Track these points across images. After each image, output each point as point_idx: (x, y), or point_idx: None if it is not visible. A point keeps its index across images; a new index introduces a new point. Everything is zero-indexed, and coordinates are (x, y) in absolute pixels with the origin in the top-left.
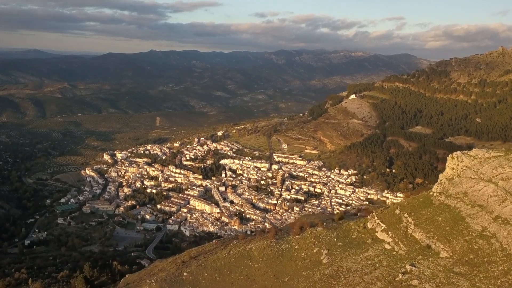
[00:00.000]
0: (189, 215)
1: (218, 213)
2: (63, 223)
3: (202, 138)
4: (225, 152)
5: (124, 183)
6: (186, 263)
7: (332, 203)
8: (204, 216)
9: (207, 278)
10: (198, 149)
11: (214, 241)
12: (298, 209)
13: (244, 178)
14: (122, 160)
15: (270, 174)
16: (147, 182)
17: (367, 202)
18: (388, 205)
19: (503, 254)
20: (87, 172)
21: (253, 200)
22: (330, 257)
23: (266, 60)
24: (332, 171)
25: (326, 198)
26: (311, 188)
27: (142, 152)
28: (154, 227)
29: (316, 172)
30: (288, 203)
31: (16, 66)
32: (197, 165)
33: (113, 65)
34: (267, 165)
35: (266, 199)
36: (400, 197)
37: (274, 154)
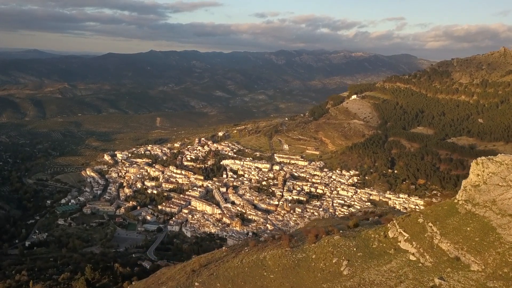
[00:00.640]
0: (190, 216)
1: (219, 214)
2: (64, 224)
3: (202, 139)
4: (226, 153)
5: (124, 184)
6: (197, 272)
7: (334, 204)
8: (205, 217)
9: None
10: (199, 150)
11: (223, 247)
12: (300, 210)
13: (245, 179)
14: (122, 161)
15: (271, 175)
16: (148, 183)
17: (369, 203)
18: (409, 213)
19: None
20: (88, 172)
21: (255, 201)
22: (350, 268)
23: (266, 60)
24: (334, 171)
25: (328, 199)
26: (312, 189)
27: (142, 152)
28: (155, 228)
29: (318, 173)
30: (289, 204)
31: (16, 66)
32: (198, 165)
33: (113, 65)
34: (268, 165)
35: (267, 200)
36: (402, 198)
37: (275, 154)
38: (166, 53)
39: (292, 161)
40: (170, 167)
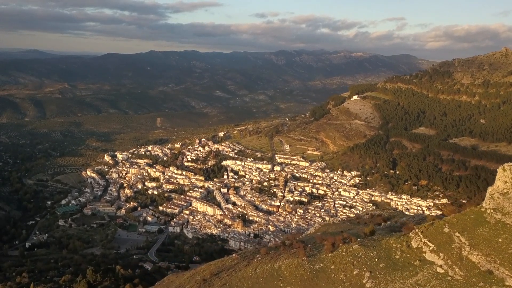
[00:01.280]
0: (191, 217)
1: (220, 215)
2: (64, 225)
3: (203, 139)
4: (227, 153)
5: (125, 185)
6: (208, 281)
7: (336, 205)
8: (207, 218)
9: None
10: (200, 150)
11: (233, 255)
12: (301, 211)
13: (246, 180)
14: (123, 161)
15: (272, 176)
16: (149, 184)
17: (371, 204)
18: (432, 221)
19: None
20: (88, 173)
21: (256, 202)
22: (373, 281)
23: (266, 61)
24: (335, 172)
25: (329, 200)
26: (314, 190)
27: (143, 153)
28: (156, 229)
29: (319, 174)
30: (291, 205)
31: (16, 66)
32: (198, 166)
33: (113, 66)
34: (269, 166)
35: (269, 201)
36: (404, 199)
37: (276, 155)
38: (166, 53)
39: (293, 162)
40: (171, 167)
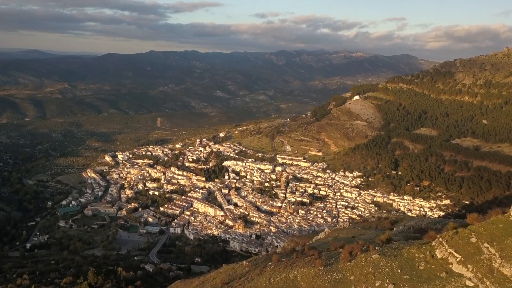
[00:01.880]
0: (192, 218)
1: (222, 216)
2: (65, 226)
3: (204, 140)
4: (228, 154)
5: (126, 185)
6: None
7: (338, 206)
8: (208, 219)
9: None
10: (201, 151)
11: (244, 262)
12: (303, 212)
13: (247, 180)
14: (123, 162)
15: (274, 176)
16: (149, 184)
17: (373, 205)
18: (455, 229)
19: None
20: (89, 173)
21: (257, 203)
22: None
23: (266, 61)
24: (337, 173)
25: (331, 200)
26: (315, 191)
27: (143, 153)
28: (157, 230)
29: (321, 174)
30: (293, 206)
31: (16, 66)
32: (199, 166)
33: (113, 66)
34: (270, 167)
35: (270, 201)
36: (407, 200)
37: (277, 155)
38: (166, 53)
39: (295, 162)
40: (172, 168)
